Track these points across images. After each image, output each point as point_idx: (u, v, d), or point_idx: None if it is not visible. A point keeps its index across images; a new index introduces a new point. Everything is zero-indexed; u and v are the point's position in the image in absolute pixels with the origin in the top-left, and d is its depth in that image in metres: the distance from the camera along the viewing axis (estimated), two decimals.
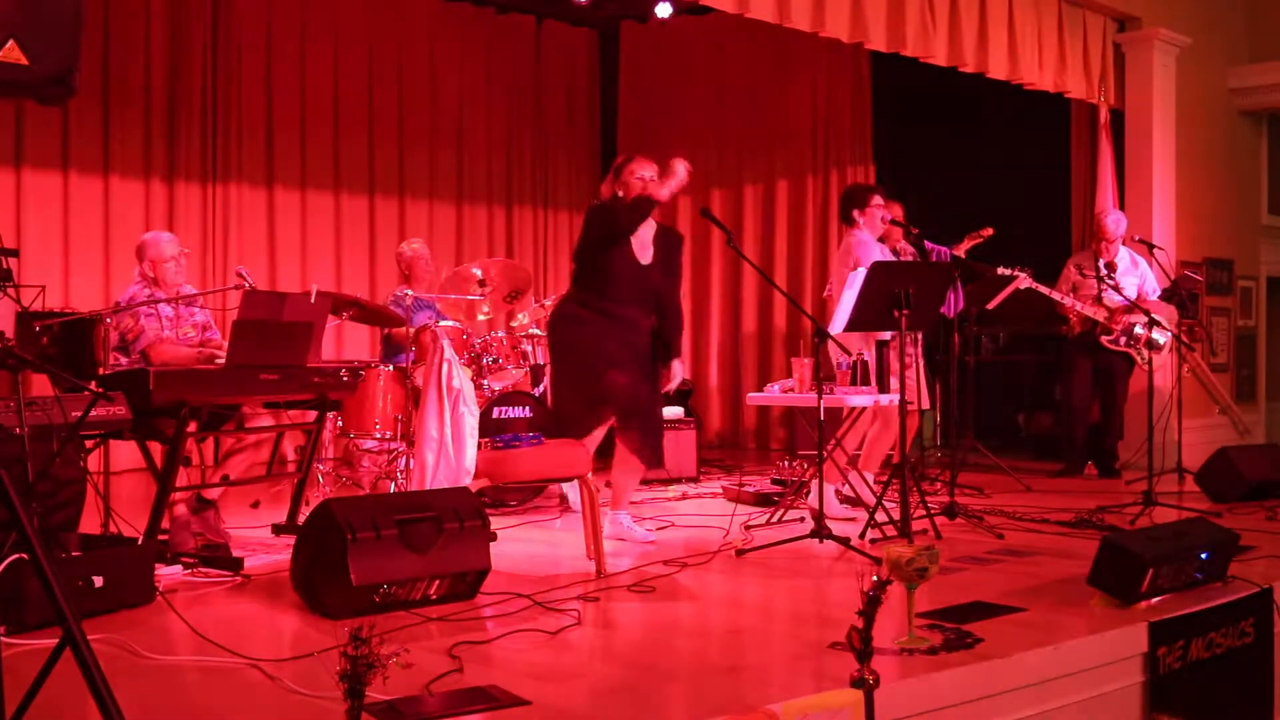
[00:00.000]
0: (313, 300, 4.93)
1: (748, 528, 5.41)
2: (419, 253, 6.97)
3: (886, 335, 5.55)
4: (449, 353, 5.42)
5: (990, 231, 7.01)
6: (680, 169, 5.10)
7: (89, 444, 4.45)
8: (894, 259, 6.12)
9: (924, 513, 5.24)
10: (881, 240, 6.38)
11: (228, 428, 5.05)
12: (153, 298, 5.10)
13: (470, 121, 9.87)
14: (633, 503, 5.50)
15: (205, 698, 2.99)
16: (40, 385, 4.78)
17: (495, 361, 6.51)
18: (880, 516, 5.09)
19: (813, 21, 6.43)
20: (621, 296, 5.07)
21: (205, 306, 5.51)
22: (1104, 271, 6.92)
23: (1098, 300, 7.39)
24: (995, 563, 4.71)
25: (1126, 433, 7.84)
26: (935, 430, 8.03)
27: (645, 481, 7.08)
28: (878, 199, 6.02)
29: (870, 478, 5.88)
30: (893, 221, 6.10)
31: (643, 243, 5.14)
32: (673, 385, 5.34)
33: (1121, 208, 8.16)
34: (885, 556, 3.33)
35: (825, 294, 7.22)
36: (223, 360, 4.74)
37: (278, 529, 5.17)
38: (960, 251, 6.93)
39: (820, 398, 4.94)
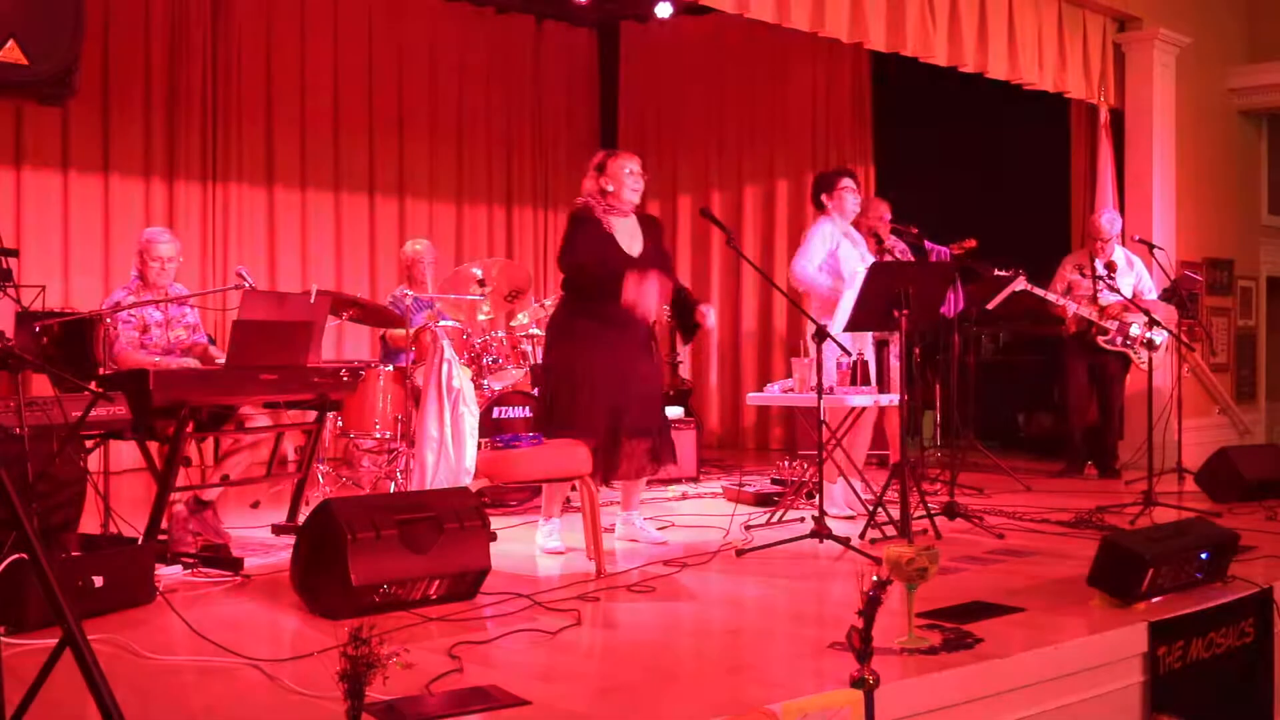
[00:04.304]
0: (312, 300, 4.94)
1: (748, 528, 5.41)
2: (423, 252, 6.96)
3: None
4: (449, 353, 5.42)
5: (973, 243, 6.94)
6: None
7: (89, 444, 4.45)
8: (887, 254, 6.12)
9: (924, 513, 5.24)
10: (876, 236, 6.38)
11: (227, 428, 5.05)
12: (139, 300, 5.09)
13: (470, 121, 9.87)
14: None
15: (205, 698, 2.99)
16: (40, 385, 4.77)
17: (495, 361, 6.50)
18: (880, 516, 5.09)
19: (812, 21, 6.42)
20: (617, 293, 4.98)
21: (194, 306, 5.49)
22: (1103, 272, 6.91)
23: (1093, 300, 7.38)
24: (995, 563, 4.71)
25: (1126, 433, 7.83)
26: (935, 430, 8.02)
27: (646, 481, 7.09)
28: (846, 181, 6.02)
29: (859, 484, 5.86)
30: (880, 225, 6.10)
31: (630, 236, 5.08)
32: (710, 321, 5.25)
33: (1121, 208, 8.15)
34: (885, 556, 3.33)
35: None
36: (220, 362, 4.73)
37: (278, 529, 5.17)
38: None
39: (820, 397, 4.95)
